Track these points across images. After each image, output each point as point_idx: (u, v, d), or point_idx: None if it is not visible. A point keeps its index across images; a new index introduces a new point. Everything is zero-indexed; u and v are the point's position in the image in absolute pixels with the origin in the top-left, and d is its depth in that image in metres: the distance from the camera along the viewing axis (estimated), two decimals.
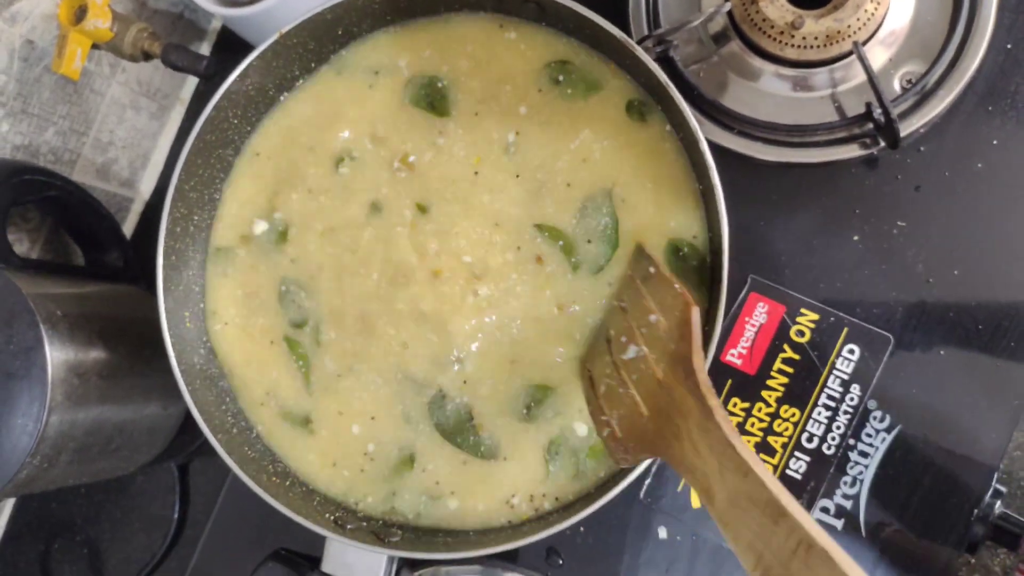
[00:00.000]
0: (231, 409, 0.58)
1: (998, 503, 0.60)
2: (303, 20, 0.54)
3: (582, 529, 0.63)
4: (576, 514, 0.51)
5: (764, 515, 0.33)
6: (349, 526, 0.54)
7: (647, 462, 0.49)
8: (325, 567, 0.54)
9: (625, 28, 0.65)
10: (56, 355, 0.58)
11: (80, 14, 0.65)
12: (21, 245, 0.73)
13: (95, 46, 0.67)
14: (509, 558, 0.63)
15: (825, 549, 0.30)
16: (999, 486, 0.61)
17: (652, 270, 0.47)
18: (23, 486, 0.59)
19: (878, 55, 0.62)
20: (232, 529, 0.70)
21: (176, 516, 0.80)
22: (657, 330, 0.43)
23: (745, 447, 0.35)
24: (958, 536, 0.58)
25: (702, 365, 0.40)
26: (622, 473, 0.51)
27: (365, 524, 0.55)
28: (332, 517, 0.55)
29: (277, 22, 0.66)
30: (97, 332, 0.63)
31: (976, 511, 0.58)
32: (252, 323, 0.60)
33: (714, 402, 0.38)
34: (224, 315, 0.60)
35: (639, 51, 0.50)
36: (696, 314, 0.41)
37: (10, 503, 0.83)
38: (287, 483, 0.56)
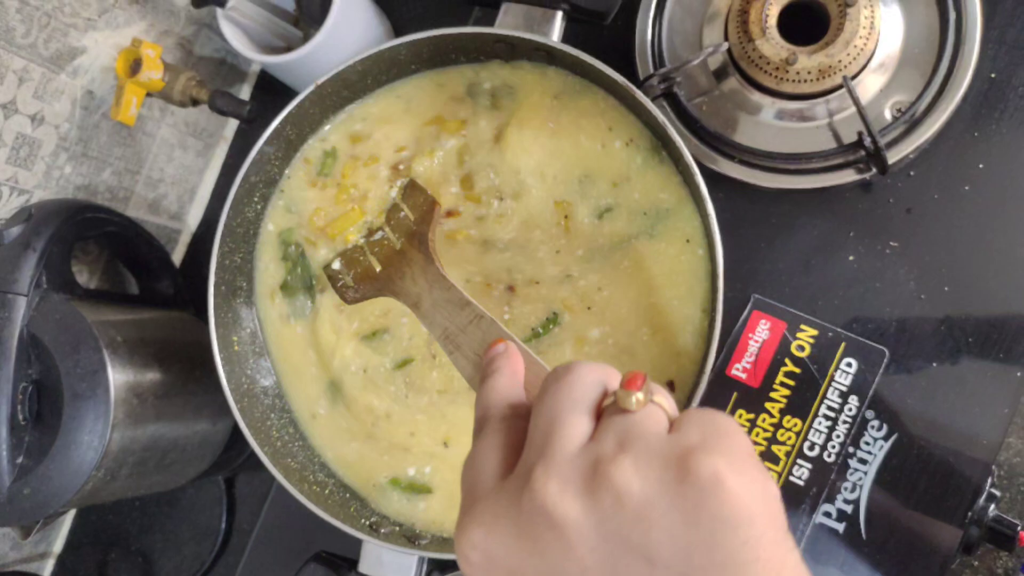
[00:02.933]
0: (275, 424, 0.64)
1: (992, 506, 0.63)
2: (336, 72, 0.60)
3: None
4: None
5: (455, 307, 0.51)
6: (383, 530, 0.59)
7: None
8: (362, 568, 0.59)
9: (633, 67, 0.71)
10: (118, 377, 0.63)
11: (135, 67, 0.71)
12: (81, 276, 0.79)
13: (148, 94, 0.74)
14: None
15: (492, 318, 0.47)
16: (994, 490, 0.64)
17: (408, 182, 0.65)
18: (88, 497, 0.65)
19: (871, 84, 0.66)
20: (275, 536, 0.75)
21: (223, 526, 0.85)
22: (404, 220, 0.63)
23: (450, 279, 0.55)
24: (954, 537, 0.62)
25: (433, 237, 0.60)
26: None
27: (398, 528, 0.60)
28: (368, 522, 0.60)
29: (310, 67, 0.73)
30: (153, 355, 0.68)
31: (970, 513, 0.62)
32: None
33: (436, 256, 0.58)
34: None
35: (639, 94, 0.55)
36: (439, 209, 0.62)
37: (71, 516, 0.89)
38: (326, 491, 0.61)
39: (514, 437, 0.35)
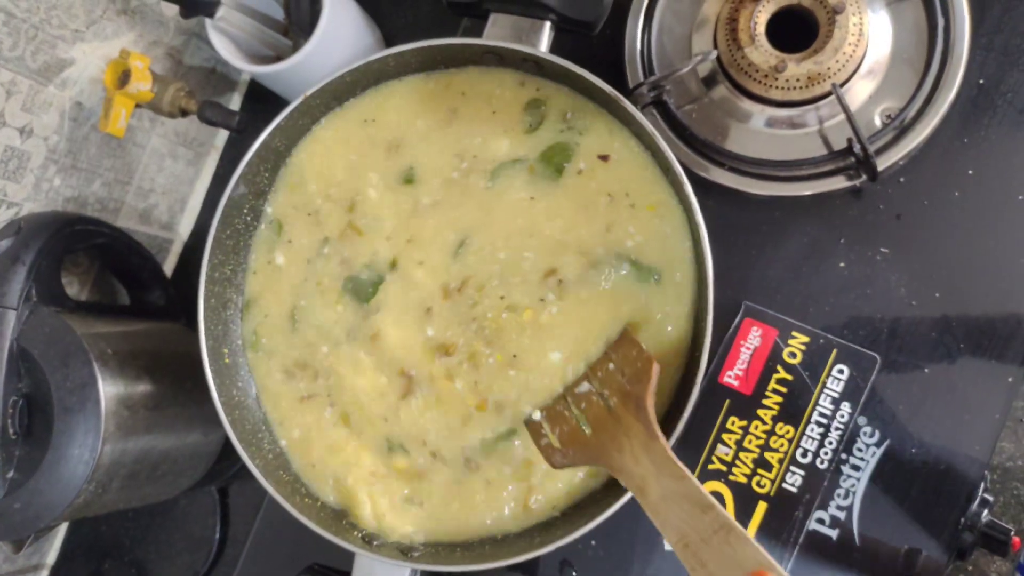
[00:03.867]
0: (267, 436, 0.63)
1: (985, 511, 0.63)
2: (325, 83, 0.60)
3: (593, 543, 0.67)
4: (584, 526, 0.55)
5: (693, 507, 0.45)
6: (376, 542, 0.59)
7: None
8: None
9: (622, 75, 0.71)
10: (108, 390, 0.63)
11: (124, 78, 0.71)
12: (72, 288, 0.79)
13: (137, 105, 0.74)
14: (527, 570, 0.68)
15: (743, 532, 0.42)
16: (987, 495, 0.64)
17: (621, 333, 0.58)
18: (79, 510, 0.65)
19: (860, 91, 0.66)
20: (269, 547, 0.74)
21: (217, 537, 0.85)
22: (614, 374, 0.56)
23: (680, 462, 0.49)
24: (948, 543, 0.62)
25: (652, 403, 0.53)
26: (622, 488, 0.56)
27: (390, 540, 0.60)
28: (360, 534, 0.59)
29: (300, 77, 0.73)
30: (144, 367, 0.68)
31: (963, 519, 0.62)
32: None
33: (658, 429, 0.51)
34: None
35: (625, 102, 0.55)
36: (657, 369, 0.54)
37: (64, 527, 0.89)
38: (318, 504, 0.61)
39: None
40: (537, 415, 0.59)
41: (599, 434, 0.54)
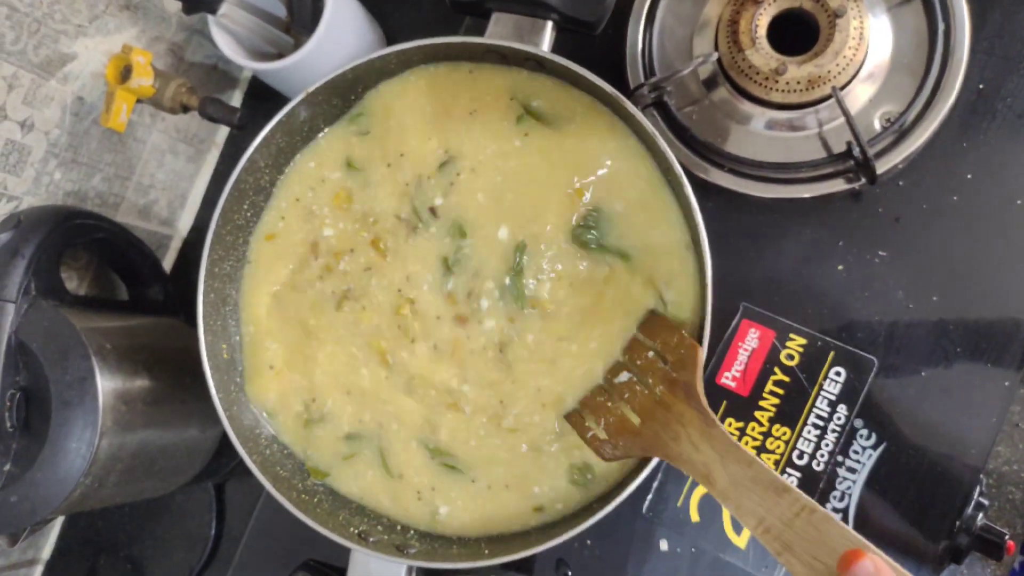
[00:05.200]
0: (264, 432, 0.63)
1: (980, 515, 0.63)
2: (327, 80, 0.59)
3: (589, 542, 0.67)
4: (581, 524, 0.55)
5: (767, 491, 0.44)
6: (372, 539, 0.59)
7: (642, 479, 0.54)
8: None
9: (623, 76, 0.71)
10: (106, 384, 0.63)
11: (126, 73, 0.71)
12: (71, 282, 0.79)
13: (139, 100, 0.74)
14: (523, 568, 0.68)
15: (827, 512, 0.42)
16: (983, 499, 0.64)
17: (654, 319, 0.57)
18: (76, 504, 0.65)
19: (860, 94, 0.67)
20: (265, 544, 0.74)
21: (213, 533, 0.84)
22: (655, 362, 0.55)
23: (744, 446, 0.48)
24: (943, 547, 0.62)
25: (702, 389, 0.52)
26: (621, 486, 0.56)
27: (386, 537, 0.60)
28: (356, 531, 0.59)
29: (301, 74, 0.73)
30: (142, 362, 0.68)
31: (959, 522, 0.62)
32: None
33: (713, 416, 0.50)
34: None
35: (627, 103, 0.55)
36: (703, 354, 0.53)
37: (59, 522, 0.89)
38: (315, 499, 0.61)
39: None
40: (575, 405, 0.58)
41: (649, 423, 0.53)
